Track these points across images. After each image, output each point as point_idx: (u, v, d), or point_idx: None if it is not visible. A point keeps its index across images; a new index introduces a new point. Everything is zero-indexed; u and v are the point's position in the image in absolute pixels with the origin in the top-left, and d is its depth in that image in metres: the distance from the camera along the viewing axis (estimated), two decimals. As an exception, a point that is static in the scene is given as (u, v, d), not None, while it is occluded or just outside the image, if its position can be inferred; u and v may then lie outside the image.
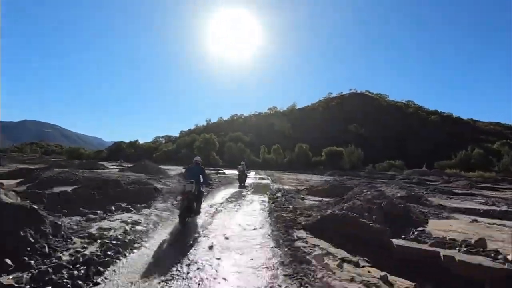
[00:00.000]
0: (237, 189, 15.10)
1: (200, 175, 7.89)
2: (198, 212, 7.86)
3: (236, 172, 21.63)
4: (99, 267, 4.28)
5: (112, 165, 39.82)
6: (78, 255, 4.54)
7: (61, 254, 4.61)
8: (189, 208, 7.21)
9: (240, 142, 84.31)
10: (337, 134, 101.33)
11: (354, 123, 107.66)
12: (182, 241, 6.07)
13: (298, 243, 5.75)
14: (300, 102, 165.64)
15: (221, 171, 35.88)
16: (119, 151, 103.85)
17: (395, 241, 5.22)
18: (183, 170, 15.02)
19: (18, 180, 12.44)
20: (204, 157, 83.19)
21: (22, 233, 4.54)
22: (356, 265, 4.66)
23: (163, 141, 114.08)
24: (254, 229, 7.18)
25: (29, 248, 4.42)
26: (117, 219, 7.05)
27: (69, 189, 9.16)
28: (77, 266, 4.20)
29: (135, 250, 5.32)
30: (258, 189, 16.26)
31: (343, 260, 4.87)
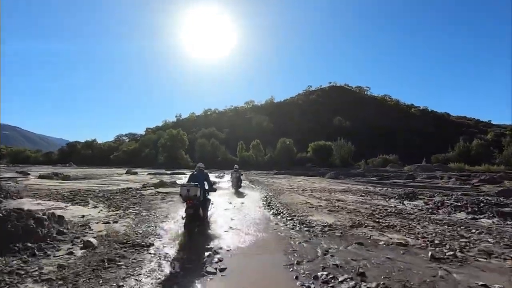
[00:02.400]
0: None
1: (205, 182, 6.73)
2: (205, 219, 6.55)
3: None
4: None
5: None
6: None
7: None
8: (196, 216, 5.94)
9: (214, 138, 71.51)
10: (320, 128, 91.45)
11: (336, 117, 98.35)
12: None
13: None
14: (277, 96, 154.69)
15: (178, 179, 23.30)
16: (73, 152, 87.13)
17: None
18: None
19: None
20: (170, 156, 69.50)
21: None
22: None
23: (127, 140, 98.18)
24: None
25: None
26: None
27: None
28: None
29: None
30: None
31: None
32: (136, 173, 27.95)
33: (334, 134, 74.20)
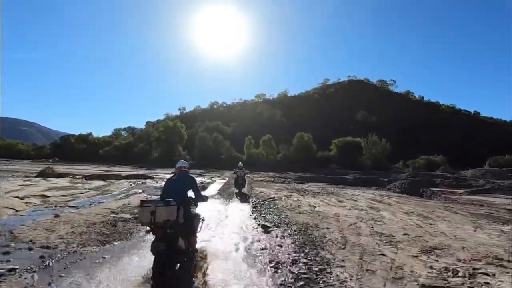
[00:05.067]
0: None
1: (190, 190, 3.95)
2: (191, 252, 3.86)
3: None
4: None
5: None
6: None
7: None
8: (170, 256, 3.16)
9: (219, 133, 59.06)
10: (340, 124, 77.82)
11: (360, 111, 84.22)
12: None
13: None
14: (291, 91, 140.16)
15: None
16: (66, 146, 77.01)
17: None
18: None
19: None
20: (166, 152, 57.20)
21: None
22: None
23: (126, 134, 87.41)
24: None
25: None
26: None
27: None
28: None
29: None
30: None
31: None
32: (60, 176, 15.69)
33: (357, 131, 60.86)
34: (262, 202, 9.18)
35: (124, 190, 11.33)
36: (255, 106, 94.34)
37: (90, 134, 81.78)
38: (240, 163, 13.94)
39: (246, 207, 8.34)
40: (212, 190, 12.38)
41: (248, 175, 26.48)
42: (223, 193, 11.54)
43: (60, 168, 26.05)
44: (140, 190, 11.35)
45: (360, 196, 11.32)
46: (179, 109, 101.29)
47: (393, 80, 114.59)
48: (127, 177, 17.03)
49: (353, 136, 52.95)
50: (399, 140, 75.34)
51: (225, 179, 20.86)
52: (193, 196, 3.93)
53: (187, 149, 54.91)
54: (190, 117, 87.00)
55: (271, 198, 10.13)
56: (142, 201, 3.18)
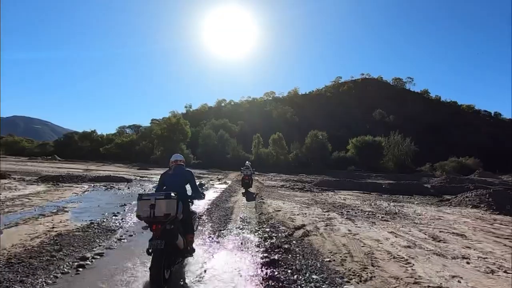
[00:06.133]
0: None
1: (187, 185, 3.60)
2: (189, 252, 3.49)
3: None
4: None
5: None
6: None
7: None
8: (169, 255, 2.94)
9: (225, 131, 54.60)
10: (355, 123, 72.43)
11: (376, 109, 78.45)
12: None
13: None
14: (301, 89, 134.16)
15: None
16: (70, 144, 74.21)
17: None
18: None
19: None
20: (168, 150, 52.72)
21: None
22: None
23: (130, 132, 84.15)
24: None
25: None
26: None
27: None
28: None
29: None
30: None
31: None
32: (0, 177, 11.49)
33: (373, 131, 55.52)
34: (284, 241, 4.56)
35: (54, 202, 6.89)
36: (264, 104, 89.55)
37: (94, 131, 78.78)
38: (247, 162, 13.61)
39: (251, 261, 3.73)
40: (201, 203, 7.69)
41: (256, 178, 22.21)
42: (216, 211, 6.94)
43: (44, 165, 22.19)
44: (79, 204, 6.90)
45: (450, 222, 6.53)
46: (185, 107, 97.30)
47: (411, 78, 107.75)
48: (95, 179, 12.66)
49: (368, 135, 47.70)
50: (416, 140, 69.68)
51: (228, 183, 16.35)
52: (190, 193, 3.55)
53: (191, 148, 50.74)
54: (196, 115, 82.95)
55: (299, 227, 5.47)
56: (141, 194, 2.96)
